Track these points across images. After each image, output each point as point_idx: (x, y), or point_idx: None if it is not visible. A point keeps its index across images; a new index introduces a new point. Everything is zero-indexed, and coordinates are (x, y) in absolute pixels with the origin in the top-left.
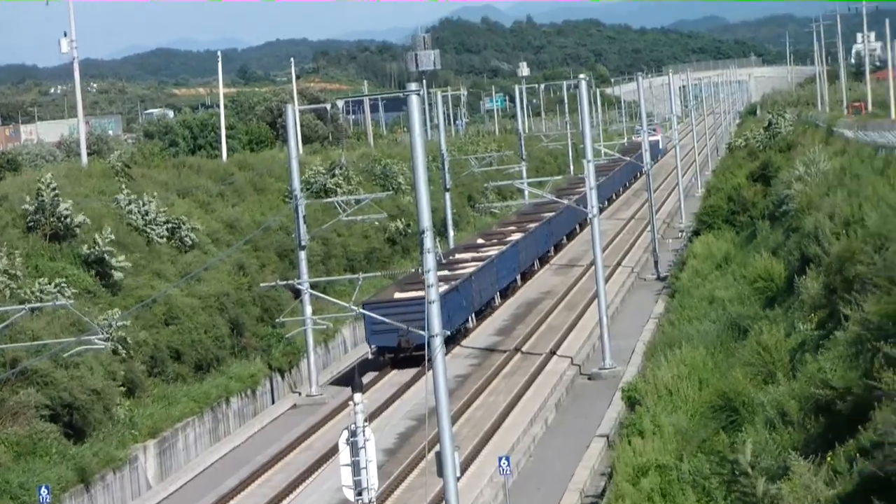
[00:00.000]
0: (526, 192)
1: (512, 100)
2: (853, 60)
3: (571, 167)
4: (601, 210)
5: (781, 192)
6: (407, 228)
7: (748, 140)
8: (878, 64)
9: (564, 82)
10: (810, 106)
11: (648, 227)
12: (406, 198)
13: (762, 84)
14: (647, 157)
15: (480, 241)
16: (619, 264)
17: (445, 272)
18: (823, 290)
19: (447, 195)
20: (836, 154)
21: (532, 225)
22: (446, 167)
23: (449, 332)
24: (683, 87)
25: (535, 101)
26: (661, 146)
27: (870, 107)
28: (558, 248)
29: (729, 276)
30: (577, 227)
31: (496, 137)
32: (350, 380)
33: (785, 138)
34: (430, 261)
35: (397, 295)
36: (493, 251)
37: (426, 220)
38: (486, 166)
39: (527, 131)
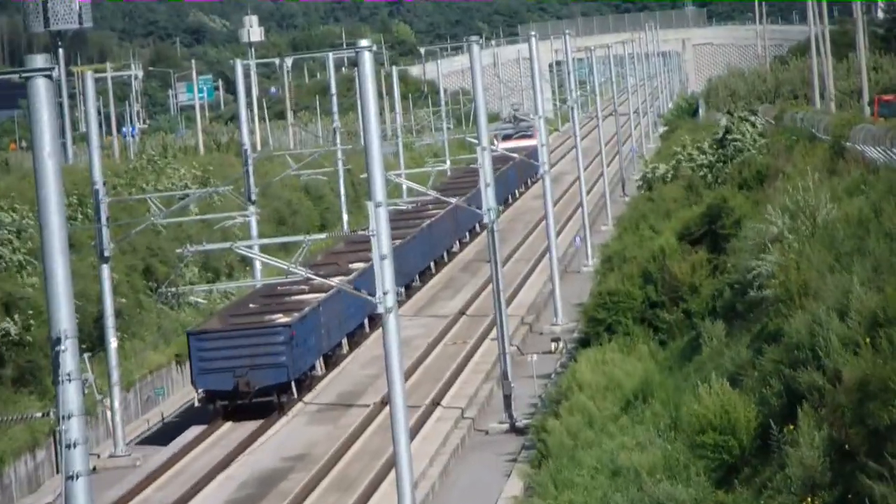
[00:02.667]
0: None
1: (230, 87)
2: (880, 14)
3: (345, 217)
4: (400, 302)
5: (746, 267)
6: (25, 333)
7: (680, 164)
8: None
9: (330, 53)
10: (798, 101)
11: (492, 334)
12: (27, 278)
13: (708, 57)
14: (487, 198)
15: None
16: (435, 404)
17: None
18: (828, 453)
19: (105, 269)
20: (849, 192)
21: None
22: (103, 214)
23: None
24: (558, 63)
25: (275, 88)
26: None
27: None
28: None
29: (648, 424)
30: (365, 323)
31: (199, 157)
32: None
33: (752, 162)
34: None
35: (232, 320)
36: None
37: (65, 321)
38: (180, 214)
39: (260, 146)
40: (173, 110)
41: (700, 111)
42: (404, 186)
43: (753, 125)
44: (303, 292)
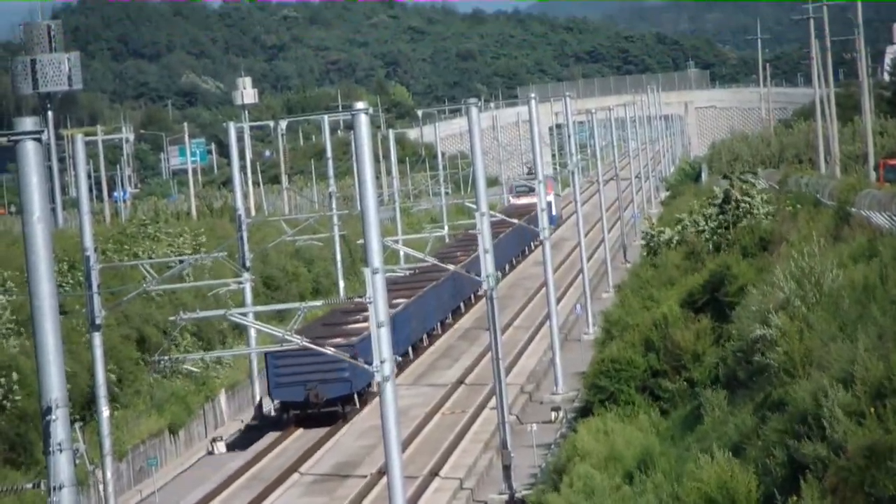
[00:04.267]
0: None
1: (223, 150)
2: (886, 77)
3: (341, 283)
4: (399, 368)
5: (750, 335)
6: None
7: (685, 230)
8: None
9: (325, 116)
10: (803, 165)
11: (491, 403)
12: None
13: (711, 120)
14: (486, 264)
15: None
16: (433, 474)
17: None
18: None
19: (96, 337)
20: (855, 258)
21: None
22: (94, 281)
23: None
24: (558, 126)
25: (269, 152)
26: (553, 212)
27: None
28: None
29: (649, 495)
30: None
31: (193, 223)
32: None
33: (756, 228)
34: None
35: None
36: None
37: (56, 390)
38: (173, 280)
39: (254, 211)
40: (165, 174)
41: (703, 175)
42: (401, 252)
43: (756, 189)
44: (357, 321)
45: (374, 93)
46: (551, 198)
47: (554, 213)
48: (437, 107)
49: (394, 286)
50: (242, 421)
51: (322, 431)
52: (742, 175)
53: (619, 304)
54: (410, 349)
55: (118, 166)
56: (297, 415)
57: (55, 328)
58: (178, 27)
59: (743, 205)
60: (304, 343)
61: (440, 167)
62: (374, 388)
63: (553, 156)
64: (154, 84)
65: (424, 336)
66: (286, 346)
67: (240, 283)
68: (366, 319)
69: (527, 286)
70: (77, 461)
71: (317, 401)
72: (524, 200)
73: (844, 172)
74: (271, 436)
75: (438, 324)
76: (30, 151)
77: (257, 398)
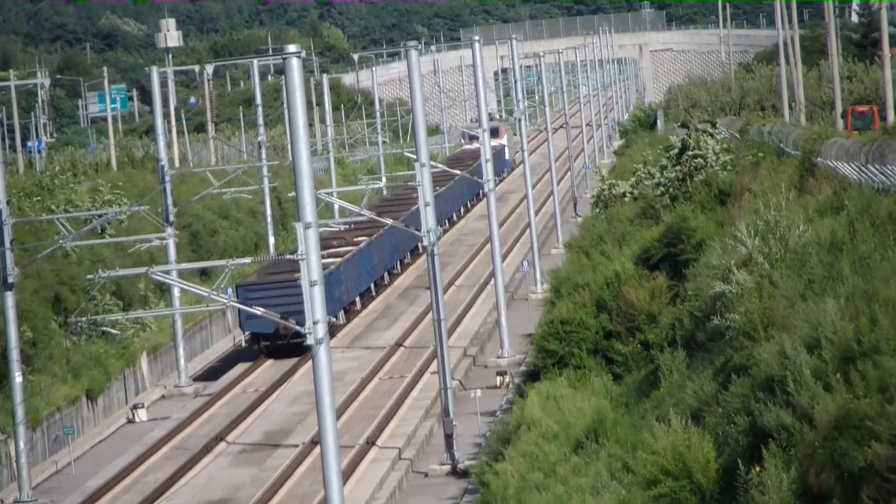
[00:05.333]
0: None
1: (146, 97)
2: (854, 18)
3: (271, 240)
4: (333, 330)
5: (709, 293)
6: None
7: (640, 182)
8: None
9: (254, 60)
10: (766, 112)
11: (432, 367)
12: None
13: (667, 64)
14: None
15: None
16: (370, 443)
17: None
18: (798, 497)
19: (8, 297)
20: (822, 211)
21: None
22: (7, 237)
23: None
24: (504, 71)
25: (194, 98)
26: (507, 157)
27: (890, 113)
28: None
29: (600, 464)
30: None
31: (113, 175)
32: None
33: (715, 178)
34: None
35: (275, 277)
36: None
37: None
38: (91, 236)
39: (178, 162)
40: (83, 122)
41: (659, 123)
42: (336, 206)
43: (715, 138)
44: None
45: (307, 35)
46: (505, 141)
47: (507, 157)
48: (374, 50)
49: (328, 241)
50: (165, 386)
51: (249, 399)
52: (701, 124)
53: (568, 261)
54: (343, 313)
55: (32, 114)
56: (267, 346)
57: None
58: None
59: (697, 158)
60: (232, 303)
61: (377, 115)
62: (341, 321)
63: (499, 102)
64: (71, 26)
65: (357, 298)
66: (255, 281)
67: (163, 238)
68: (330, 256)
69: (470, 242)
70: None
71: (286, 332)
72: (478, 145)
73: (810, 120)
74: (198, 401)
75: (342, 312)
76: None
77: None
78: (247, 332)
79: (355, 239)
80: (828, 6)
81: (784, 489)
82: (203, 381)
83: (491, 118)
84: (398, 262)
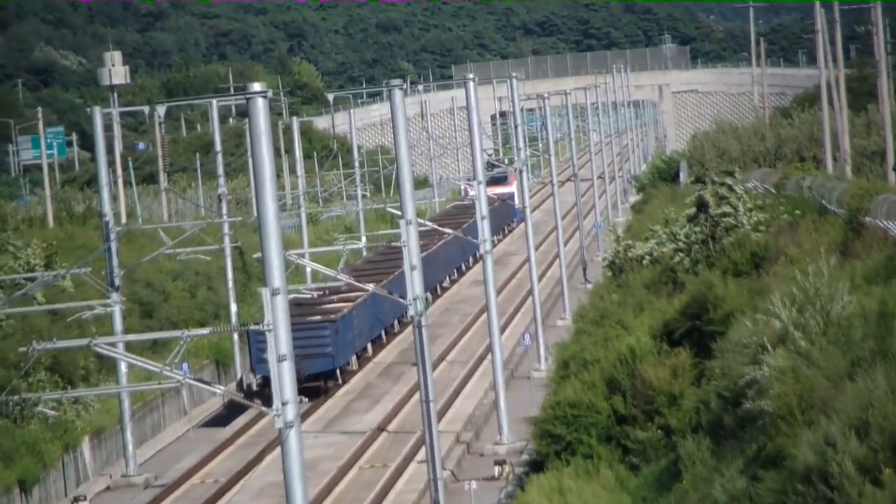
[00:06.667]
0: None
1: (87, 142)
2: None
3: (233, 307)
4: (305, 412)
5: (738, 373)
6: None
7: (660, 244)
8: None
9: (213, 100)
10: (806, 164)
11: (419, 456)
12: None
13: (691, 108)
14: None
15: None
16: None
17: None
18: None
19: None
20: (870, 279)
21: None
22: None
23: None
24: (502, 114)
25: (143, 144)
26: (516, 206)
27: None
28: None
29: None
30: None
31: (48, 231)
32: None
33: (744, 241)
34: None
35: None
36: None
37: None
38: (24, 303)
39: (125, 217)
40: (14, 170)
41: (681, 175)
42: (308, 269)
43: (744, 194)
44: (332, 302)
45: (275, 72)
46: (513, 189)
47: (517, 206)
48: (352, 89)
49: (299, 308)
50: (111, 476)
51: (208, 492)
52: (718, 175)
53: (576, 334)
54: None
55: None
56: None
57: None
58: None
59: (725, 217)
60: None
61: (356, 164)
62: (354, 367)
63: (496, 151)
64: (0, 59)
65: (338, 370)
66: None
67: (107, 305)
68: (341, 301)
69: (464, 311)
70: None
71: (299, 376)
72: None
73: (857, 173)
74: (148, 493)
75: (354, 357)
76: None
77: (237, 377)
78: (258, 376)
79: (330, 307)
80: (878, 42)
81: None
82: (154, 469)
83: (497, 164)
84: (382, 333)
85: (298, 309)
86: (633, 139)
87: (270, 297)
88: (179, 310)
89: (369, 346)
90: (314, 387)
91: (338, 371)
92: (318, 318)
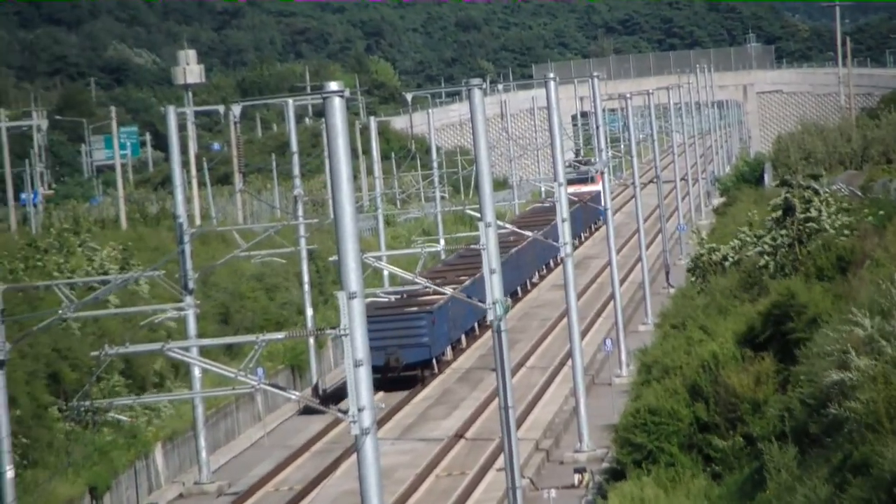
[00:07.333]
0: None
1: (160, 142)
2: None
3: (308, 311)
4: (381, 419)
5: (824, 380)
6: None
7: (743, 247)
8: None
9: (289, 100)
10: (894, 166)
11: (498, 463)
12: None
13: (777, 108)
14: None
15: None
16: None
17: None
18: None
19: None
20: None
21: None
22: None
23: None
24: (583, 115)
25: (218, 144)
26: (603, 205)
27: None
28: None
29: None
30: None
31: (122, 233)
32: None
33: (830, 244)
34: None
35: (385, 311)
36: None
37: None
38: (96, 306)
39: (199, 219)
40: (87, 171)
41: (766, 177)
42: (385, 273)
43: (829, 196)
44: (429, 294)
45: (352, 71)
46: (600, 187)
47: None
48: (431, 89)
49: (378, 312)
50: (183, 483)
51: (282, 500)
52: (804, 179)
53: (659, 339)
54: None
55: (27, 161)
56: (377, 379)
57: None
58: None
59: (810, 222)
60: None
61: (434, 165)
62: (449, 356)
63: (577, 152)
64: (73, 58)
65: (434, 360)
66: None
67: (181, 309)
68: (437, 293)
69: (543, 316)
70: None
71: (396, 365)
72: (571, 189)
73: None
74: (222, 501)
75: (449, 347)
76: None
77: (313, 382)
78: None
79: (426, 298)
80: None
81: None
82: (227, 477)
83: (584, 163)
84: (462, 336)
85: (395, 301)
86: (716, 140)
87: (347, 301)
88: (255, 313)
89: (463, 337)
90: (411, 375)
91: (434, 360)
92: (415, 308)
